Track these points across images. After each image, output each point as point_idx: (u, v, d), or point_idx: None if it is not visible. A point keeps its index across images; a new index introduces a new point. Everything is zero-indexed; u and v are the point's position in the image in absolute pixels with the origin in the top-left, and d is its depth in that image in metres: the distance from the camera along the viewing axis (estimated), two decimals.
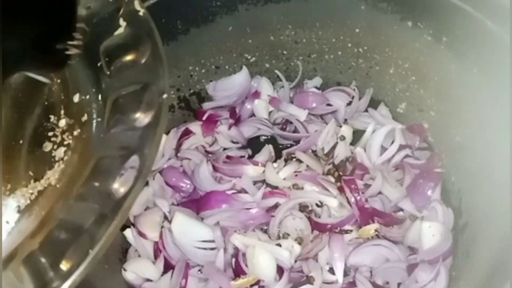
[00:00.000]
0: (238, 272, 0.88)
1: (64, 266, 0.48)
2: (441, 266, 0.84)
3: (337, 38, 1.05)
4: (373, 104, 1.09)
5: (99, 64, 0.62)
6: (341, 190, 0.94)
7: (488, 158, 0.87)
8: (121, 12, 0.64)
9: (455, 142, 0.95)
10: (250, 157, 1.04)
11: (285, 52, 1.10)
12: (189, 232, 0.91)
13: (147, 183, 1.03)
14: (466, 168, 0.92)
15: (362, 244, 0.90)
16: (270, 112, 1.11)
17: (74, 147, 0.58)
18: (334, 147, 1.04)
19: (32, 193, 0.55)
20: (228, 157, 1.03)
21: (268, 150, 1.04)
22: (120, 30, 0.62)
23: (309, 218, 0.93)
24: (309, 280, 0.86)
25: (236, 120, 1.09)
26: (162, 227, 0.94)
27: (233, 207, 0.94)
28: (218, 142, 1.07)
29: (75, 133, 0.59)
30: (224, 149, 1.07)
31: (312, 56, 1.10)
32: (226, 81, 1.10)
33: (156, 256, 0.93)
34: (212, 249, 0.91)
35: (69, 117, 0.60)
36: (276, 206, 0.94)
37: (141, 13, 0.63)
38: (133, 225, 0.96)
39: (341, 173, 0.99)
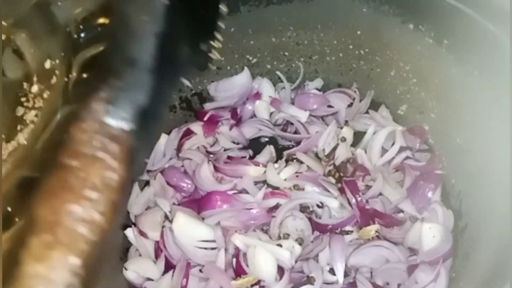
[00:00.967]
0: (238, 272, 0.88)
1: None
2: (441, 267, 0.85)
3: (339, 40, 1.06)
4: (374, 106, 1.10)
5: (68, 29, 0.62)
6: (341, 191, 0.95)
7: (488, 160, 0.87)
8: None
9: (455, 144, 0.95)
10: (251, 158, 1.04)
11: (286, 53, 1.11)
12: (190, 232, 0.91)
13: (148, 183, 1.03)
14: (466, 170, 0.93)
15: (362, 245, 0.90)
16: (271, 113, 1.11)
17: (44, 108, 0.59)
18: (335, 148, 1.04)
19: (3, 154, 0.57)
20: (229, 157, 1.03)
21: (269, 151, 1.04)
22: None
23: (310, 219, 0.93)
24: (310, 280, 0.86)
25: (237, 121, 1.09)
26: (163, 226, 0.94)
27: (234, 207, 0.94)
28: (219, 143, 1.07)
29: (45, 95, 0.60)
30: (225, 149, 1.07)
31: (313, 57, 1.11)
32: (227, 82, 1.10)
33: (157, 256, 0.93)
34: (213, 249, 0.91)
35: (40, 82, 0.61)
36: (277, 206, 0.94)
37: None
38: (134, 224, 0.96)
39: (341, 174, 0.99)
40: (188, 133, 1.07)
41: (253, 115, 1.11)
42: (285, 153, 1.04)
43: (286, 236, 0.92)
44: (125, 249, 0.96)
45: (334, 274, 0.89)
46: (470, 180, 0.92)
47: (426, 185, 0.95)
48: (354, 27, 1.02)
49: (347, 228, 0.92)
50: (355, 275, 0.88)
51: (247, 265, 0.87)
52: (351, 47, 1.05)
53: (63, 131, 0.51)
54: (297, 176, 0.99)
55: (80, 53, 0.58)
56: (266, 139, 1.10)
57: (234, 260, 0.89)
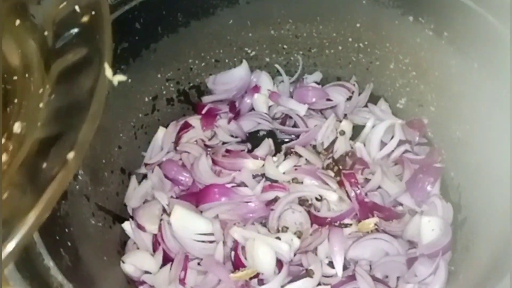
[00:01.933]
0: (237, 265, 0.87)
1: None
2: (441, 260, 0.84)
3: (338, 32, 1.05)
4: (373, 99, 1.09)
5: (46, 33, 0.61)
6: (340, 184, 0.94)
7: (488, 154, 0.87)
8: None
9: (454, 138, 0.95)
10: (250, 151, 1.04)
11: (285, 46, 1.10)
12: (188, 225, 0.91)
13: (145, 176, 1.03)
14: (465, 163, 0.93)
15: (361, 237, 0.90)
16: (269, 107, 1.11)
17: None
18: (333, 142, 1.04)
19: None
20: (227, 151, 1.02)
21: (268, 144, 1.04)
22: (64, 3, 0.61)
23: (309, 212, 0.93)
24: (309, 273, 0.86)
25: (236, 114, 1.08)
26: (161, 220, 0.93)
27: (232, 201, 0.93)
28: (218, 136, 1.07)
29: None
30: (224, 143, 1.07)
31: (312, 50, 1.10)
32: (226, 75, 1.09)
33: (155, 249, 0.92)
34: (211, 242, 0.91)
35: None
36: (275, 199, 0.94)
37: None
38: (132, 217, 0.96)
39: (340, 167, 0.99)
40: (186, 126, 1.06)
41: (252, 109, 1.11)
42: (284, 146, 1.04)
43: (285, 229, 0.92)
44: (123, 242, 0.95)
45: (333, 267, 0.89)
46: (469, 173, 0.92)
47: (425, 179, 0.94)
48: (354, 20, 1.01)
49: (346, 221, 0.92)
50: (354, 268, 0.87)
51: (246, 258, 0.87)
52: (350, 39, 1.05)
53: None
54: (295, 169, 0.98)
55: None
56: (265, 133, 1.09)
57: (233, 253, 0.89)
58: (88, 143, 0.49)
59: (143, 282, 0.90)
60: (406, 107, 1.06)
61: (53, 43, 0.58)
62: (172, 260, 0.90)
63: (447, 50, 0.91)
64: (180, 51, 1.03)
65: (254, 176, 0.98)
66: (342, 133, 1.04)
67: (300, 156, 1.01)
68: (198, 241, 0.91)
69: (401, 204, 0.95)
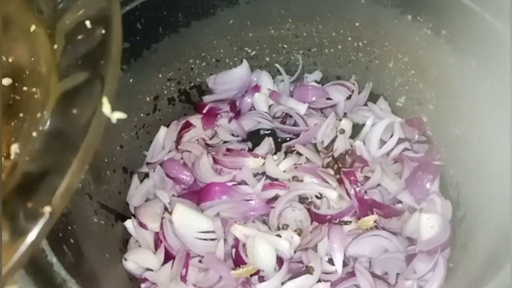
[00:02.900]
0: (238, 262, 0.88)
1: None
2: (439, 257, 0.85)
3: (337, 32, 1.06)
4: (373, 98, 1.10)
5: (55, 47, 0.59)
6: (340, 182, 0.95)
7: (486, 151, 0.87)
8: None
9: (453, 136, 0.96)
10: (250, 150, 1.05)
11: (285, 46, 1.11)
12: (190, 223, 0.91)
13: (147, 175, 1.04)
14: (464, 161, 0.93)
15: (361, 235, 0.90)
16: (270, 106, 1.11)
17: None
18: (333, 140, 1.05)
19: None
20: (228, 150, 1.03)
21: (268, 143, 1.04)
22: None
23: (309, 210, 0.94)
24: (309, 270, 0.87)
25: (236, 113, 1.09)
26: (162, 218, 0.94)
27: (233, 199, 0.94)
28: (218, 135, 1.07)
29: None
30: (224, 142, 1.07)
31: (312, 50, 1.11)
32: (226, 74, 1.10)
33: (156, 247, 0.93)
34: (212, 239, 0.92)
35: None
36: (276, 197, 0.95)
37: None
38: (134, 216, 0.97)
39: (340, 165, 0.99)
40: (187, 126, 1.07)
41: (252, 108, 1.12)
42: (284, 145, 1.05)
43: (285, 226, 0.92)
44: (125, 240, 0.96)
45: (333, 264, 0.89)
46: (468, 170, 0.93)
47: (425, 176, 0.95)
48: (353, 19, 1.02)
49: (346, 218, 0.93)
50: (353, 265, 0.88)
51: (246, 255, 0.88)
52: (349, 39, 1.05)
53: None
54: (296, 167, 0.99)
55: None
56: (265, 132, 1.10)
57: (234, 250, 0.90)
58: (72, 190, 0.44)
59: (145, 279, 0.91)
60: (405, 106, 1.06)
61: (61, 58, 0.55)
62: (173, 257, 0.90)
63: (445, 48, 0.91)
64: (181, 51, 1.04)
65: (255, 175, 0.99)
66: (342, 131, 1.05)
67: (300, 154, 1.02)
68: (200, 238, 0.91)
69: (400, 202, 0.96)
